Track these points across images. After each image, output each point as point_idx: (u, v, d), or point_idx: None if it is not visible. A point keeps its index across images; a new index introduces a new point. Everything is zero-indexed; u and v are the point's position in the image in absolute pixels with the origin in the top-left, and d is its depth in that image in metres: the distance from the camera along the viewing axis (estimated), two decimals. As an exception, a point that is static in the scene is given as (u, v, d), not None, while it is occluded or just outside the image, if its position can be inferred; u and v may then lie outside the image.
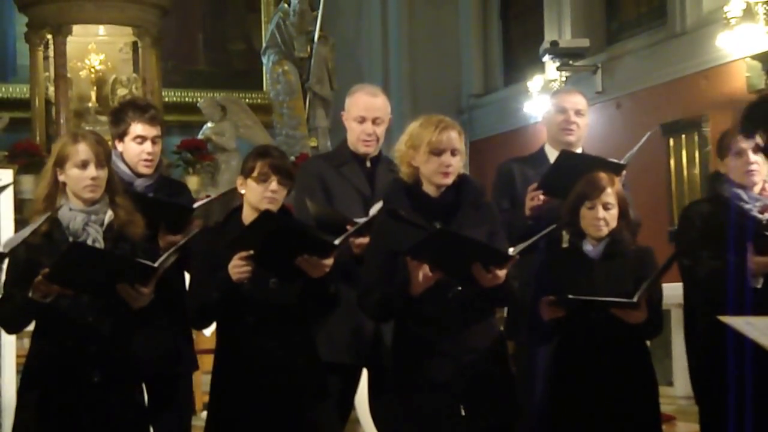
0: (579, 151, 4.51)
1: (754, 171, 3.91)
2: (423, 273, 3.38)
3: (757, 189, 3.94)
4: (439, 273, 3.40)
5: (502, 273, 3.40)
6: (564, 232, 3.89)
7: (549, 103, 4.66)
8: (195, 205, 4.00)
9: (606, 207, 3.71)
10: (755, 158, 3.91)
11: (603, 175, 3.78)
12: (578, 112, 4.50)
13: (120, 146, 4.14)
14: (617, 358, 3.65)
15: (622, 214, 3.75)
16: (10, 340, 5.51)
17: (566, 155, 4.29)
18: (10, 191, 5.41)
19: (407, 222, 3.42)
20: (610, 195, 3.73)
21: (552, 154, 4.48)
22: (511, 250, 3.47)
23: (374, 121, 4.22)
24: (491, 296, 3.49)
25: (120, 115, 4.16)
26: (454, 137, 3.55)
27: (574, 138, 4.49)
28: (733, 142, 3.94)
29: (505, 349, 3.70)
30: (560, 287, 3.59)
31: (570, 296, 3.53)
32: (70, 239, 3.43)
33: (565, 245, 3.92)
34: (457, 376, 3.46)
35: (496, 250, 3.45)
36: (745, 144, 3.90)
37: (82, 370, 3.41)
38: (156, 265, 3.34)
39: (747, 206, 3.89)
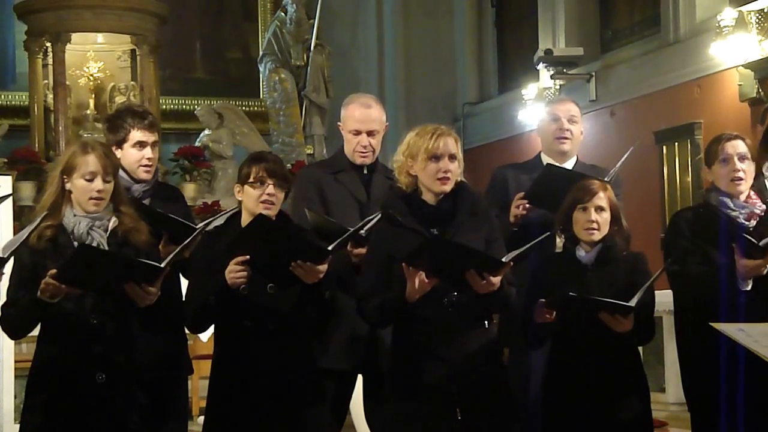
0: (573, 159, 4.52)
1: (740, 179, 3.91)
2: (419, 279, 3.42)
3: (742, 197, 3.93)
4: (435, 279, 3.44)
5: (496, 280, 3.44)
6: (557, 239, 3.93)
7: (542, 113, 4.66)
8: (199, 225, 4.03)
9: (598, 210, 3.76)
10: (741, 166, 3.91)
11: (595, 181, 3.84)
12: (571, 119, 4.50)
13: (118, 153, 4.17)
14: (609, 363, 3.68)
15: (614, 221, 3.79)
16: (8, 345, 5.53)
17: (550, 169, 4.30)
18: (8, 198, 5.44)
19: (405, 228, 3.46)
20: (602, 199, 3.77)
21: (547, 162, 4.49)
22: (505, 257, 3.52)
23: (369, 133, 4.27)
24: (487, 303, 3.53)
25: (118, 121, 4.17)
26: (451, 143, 3.60)
27: (568, 147, 4.49)
28: (720, 149, 3.94)
29: (501, 354, 3.74)
30: (553, 291, 3.60)
31: (571, 293, 3.56)
32: (75, 244, 3.48)
33: (558, 251, 3.96)
34: (453, 380, 3.50)
35: (490, 257, 3.48)
36: (732, 151, 3.92)
37: (87, 371, 3.45)
38: (163, 265, 3.40)
39: (733, 214, 3.89)
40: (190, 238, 3.56)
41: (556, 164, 4.40)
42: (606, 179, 4.20)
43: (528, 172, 4.50)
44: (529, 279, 3.76)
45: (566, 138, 4.49)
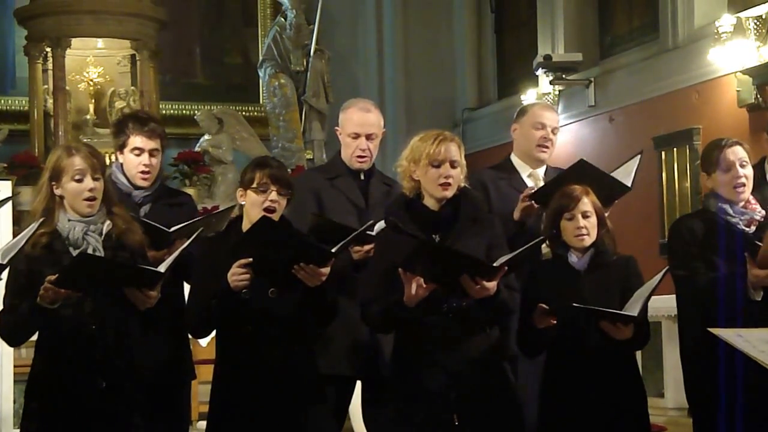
0: (544, 168, 4.51)
1: (743, 185, 3.93)
2: (417, 285, 3.43)
3: (743, 203, 3.94)
4: (432, 285, 3.45)
5: (490, 285, 3.44)
6: (544, 245, 3.91)
7: (523, 117, 4.59)
8: (172, 229, 4.02)
9: (585, 215, 3.77)
10: (743, 172, 3.93)
11: (577, 186, 3.83)
12: (554, 130, 4.53)
13: (120, 157, 4.19)
14: (606, 368, 3.69)
15: (601, 223, 3.80)
16: (7, 351, 5.54)
17: (582, 165, 4.16)
18: (8, 202, 5.45)
19: (407, 234, 3.47)
20: (586, 204, 3.78)
21: (519, 165, 4.51)
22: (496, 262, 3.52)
23: (368, 137, 4.28)
24: (487, 308, 3.53)
25: (120, 126, 4.20)
26: (453, 149, 3.62)
27: (547, 155, 4.51)
28: (721, 156, 3.95)
29: (502, 360, 3.74)
30: (548, 298, 3.63)
31: (574, 304, 3.56)
32: (71, 249, 3.49)
33: (545, 258, 3.96)
34: (451, 386, 3.51)
35: (481, 261, 3.48)
36: (733, 158, 3.94)
37: (88, 377, 3.46)
38: (162, 270, 3.42)
39: (733, 220, 3.91)
40: (188, 242, 3.58)
41: (590, 163, 4.23)
42: (629, 185, 4.18)
43: (503, 173, 4.52)
44: (522, 287, 3.74)
45: (548, 147, 4.50)
